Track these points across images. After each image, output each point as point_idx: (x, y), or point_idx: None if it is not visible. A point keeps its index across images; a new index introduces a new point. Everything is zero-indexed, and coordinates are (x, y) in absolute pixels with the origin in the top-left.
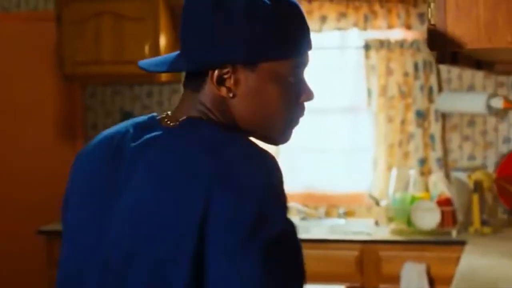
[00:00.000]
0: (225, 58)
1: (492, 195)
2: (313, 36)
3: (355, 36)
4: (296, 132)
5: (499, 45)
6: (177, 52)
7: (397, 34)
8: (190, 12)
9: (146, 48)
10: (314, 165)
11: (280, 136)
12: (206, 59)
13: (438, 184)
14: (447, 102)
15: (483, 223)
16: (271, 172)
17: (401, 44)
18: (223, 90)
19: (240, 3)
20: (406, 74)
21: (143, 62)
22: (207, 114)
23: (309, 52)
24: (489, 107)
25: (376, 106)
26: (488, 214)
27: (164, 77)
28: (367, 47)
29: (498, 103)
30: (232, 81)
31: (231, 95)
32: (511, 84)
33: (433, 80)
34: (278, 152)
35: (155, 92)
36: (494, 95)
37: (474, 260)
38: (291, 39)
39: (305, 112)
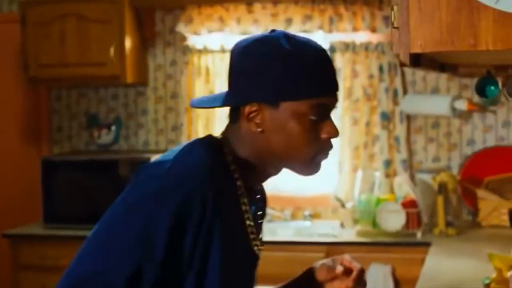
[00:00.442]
0: (251, 98)
1: (456, 196)
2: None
3: (321, 39)
4: None
5: (461, 47)
6: (224, 92)
7: (362, 36)
8: (231, 57)
9: (112, 51)
10: None
11: (304, 168)
12: (239, 98)
13: (403, 186)
14: (412, 104)
15: (448, 224)
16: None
17: (366, 46)
18: (253, 125)
19: (263, 49)
20: (371, 77)
21: (194, 101)
22: (228, 140)
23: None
24: (453, 109)
25: (341, 109)
26: (452, 215)
27: (129, 79)
28: (332, 49)
29: (462, 105)
30: (259, 117)
31: (259, 130)
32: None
33: (397, 82)
34: None
35: (121, 94)
36: (458, 97)
37: (438, 261)
38: (309, 81)
39: None
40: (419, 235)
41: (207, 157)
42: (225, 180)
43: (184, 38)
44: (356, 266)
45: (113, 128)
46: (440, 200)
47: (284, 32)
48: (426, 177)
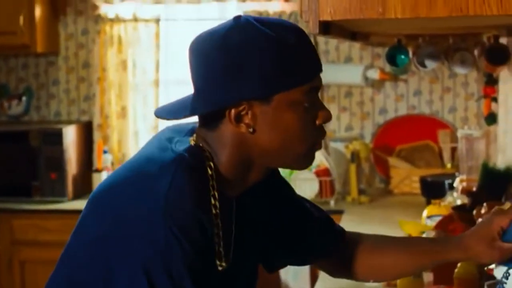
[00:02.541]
0: (239, 96)
1: (369, 165)
2: (192, 8)
3: (234, 8)
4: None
5: (370, 15)
6: (191, 95)
7: (276, 5)
8: (197, 54)
9: (21, 19)
10: None
11: (301, 161)
12: (222, 99)
13: (317, 155)
14: (325, 73)
15: (360, 192)
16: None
17: (280, 16)
18: (243, 127)
19: (244, 38)
20: None
21: (160, 111)
22: (210, 152)
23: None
24: (365, 78)
25: None
26: (365, 183)
27: (40, 48)
28: None
29: (374, 74)
30: (249, 117)
31: (250, 130)
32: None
33: None
34: (157, 125)
35: (31, 64)
36: (370, 66)
37: (351, 228)
38: (301, 67)
39: (185, 84)
40: (332, 203)
41: (192, 187)
42: (207, 204)
43: (95, 7)
44: None
45: (24, 98)
46: (352, 168)
47: (252, 16)
48: (339, 146)
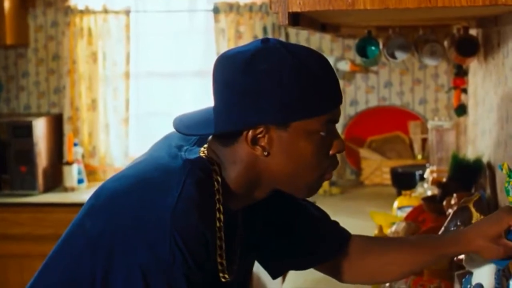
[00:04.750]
0: (258, 120)
1: (340, 156)
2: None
3: (204, 0)
4: (146, 97)
5: (339, 7)
6: (209, 109)
7: None
8: (221, 73)
9: None
10: (164, 130)
11: (306, 190)
12: (241, 120)
13: None
14: None
15: (332, 184)
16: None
17: (250, 7)
18: (258, 150)
19: (270, 65)
20: (255, 38)
21: (179, 124)
22: (219, 166)
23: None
24: (336, 70)
25: None
26: (336, 175)
27: (9, 40)
28: (216, 10)
29: (345, 66)
30: (266, 140)
31: (265, 153)
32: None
33: None
34: (127, 117)
35: (0, 56)
36: (341, 58)
37: None
38: (322, 97)
39: (155, 77)
40: None
41: (198, 201)
42: (212, 217)
43: None
44: None
45: None
46: None
47: (280, 41)
48: None
